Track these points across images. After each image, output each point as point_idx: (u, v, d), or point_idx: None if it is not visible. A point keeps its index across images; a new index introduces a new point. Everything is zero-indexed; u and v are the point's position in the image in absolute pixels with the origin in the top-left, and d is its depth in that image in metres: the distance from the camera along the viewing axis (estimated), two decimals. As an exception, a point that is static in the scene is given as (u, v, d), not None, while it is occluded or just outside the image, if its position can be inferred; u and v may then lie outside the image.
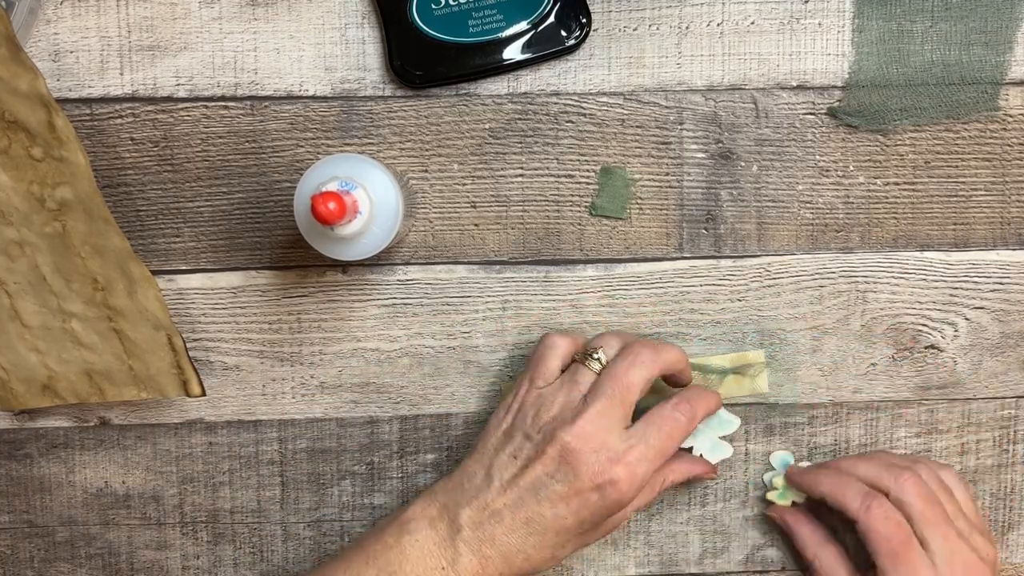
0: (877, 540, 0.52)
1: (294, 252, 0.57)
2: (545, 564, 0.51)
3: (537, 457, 0.50)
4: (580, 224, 0.57)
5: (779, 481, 0.59)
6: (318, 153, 0.56)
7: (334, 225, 0.46)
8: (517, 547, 0.50)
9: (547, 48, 0.55)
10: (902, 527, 0.52)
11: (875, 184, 0.57)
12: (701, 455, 0.57)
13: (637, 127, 0.57)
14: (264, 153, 0.56)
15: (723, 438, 0.58)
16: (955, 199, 0.58)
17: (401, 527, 0.50)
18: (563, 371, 0.53)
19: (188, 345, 0.56)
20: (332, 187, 0.47)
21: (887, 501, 0.52)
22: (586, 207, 0.57)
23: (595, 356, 0.52)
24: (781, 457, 0.59)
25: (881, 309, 0.58)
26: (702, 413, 0.53)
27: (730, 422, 0.58)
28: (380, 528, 0.52)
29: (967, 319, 0.58)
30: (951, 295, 0.58)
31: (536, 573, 0.52)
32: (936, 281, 0.58)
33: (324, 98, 0.56)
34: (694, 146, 0.57)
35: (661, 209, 0.57)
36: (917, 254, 0.58)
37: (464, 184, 0.57)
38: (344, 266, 0.57)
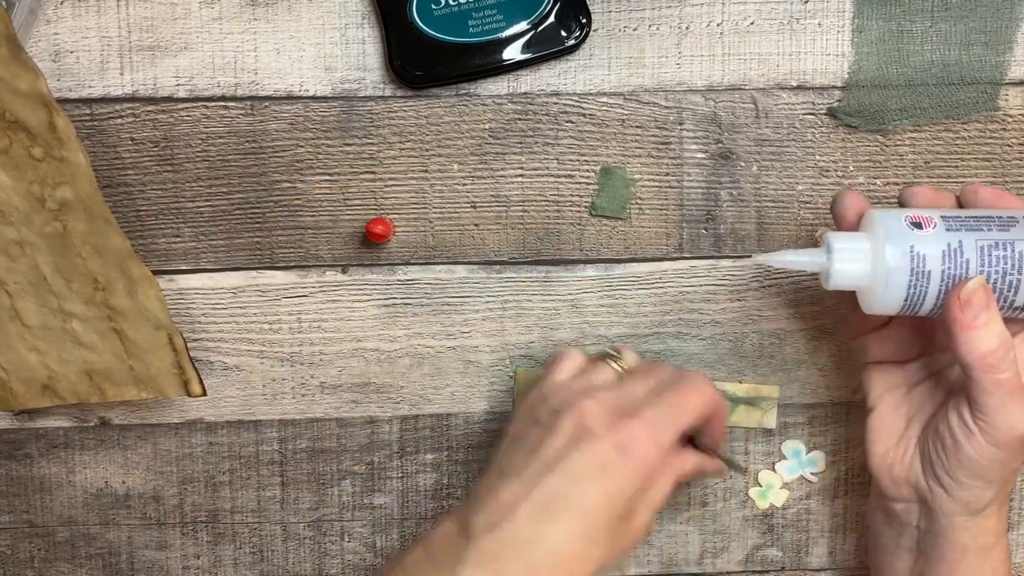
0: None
1: (294, 252, 0.57)
2: (576, 566, 0.44)
3: (551, 432, 0.46)
4: (580, 224, 0.57)
5: (765, 478, 0.59)
6: (318, 153, 0.56)
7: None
8: (540, 539, 0.43)
9: (547, 48, 0.55)
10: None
11: (875, 184, 0.57)
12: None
13: (637, 127, 0.57)
14: (264, 153, 0.56)
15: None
16: (955, 199, 0.58)
17: (423, 550, 0.46)
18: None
19: (188, 345, 0.56)
20: None
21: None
22: (586, 207, 0.57)
23: (614, 359, 0.50)
24: (792, 447, 0.58)
25: (881, 309, 0.58)
26: (719, 397, 0.50)
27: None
28: (410, 551, 0.47)
29: (967, 319, 0.58)
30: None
31: None
32: (936, 281, 0.58)
33: (324, 98, 0.56)
34: (694, 146, 0.57)
35: (661, 209, 0.57)
36: (917, 254, 0.58)
37: (464, 184, 0.57)
38: (344, 266, 0.57)
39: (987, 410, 0.45)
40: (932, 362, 0.51)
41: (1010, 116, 0.57)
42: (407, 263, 0.57)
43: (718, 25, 0.56)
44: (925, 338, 0.51)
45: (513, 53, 0.55)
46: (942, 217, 0.47)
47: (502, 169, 0.57)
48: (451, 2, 0.55)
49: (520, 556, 0.43)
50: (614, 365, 0.50)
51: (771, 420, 0.58)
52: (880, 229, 0.46)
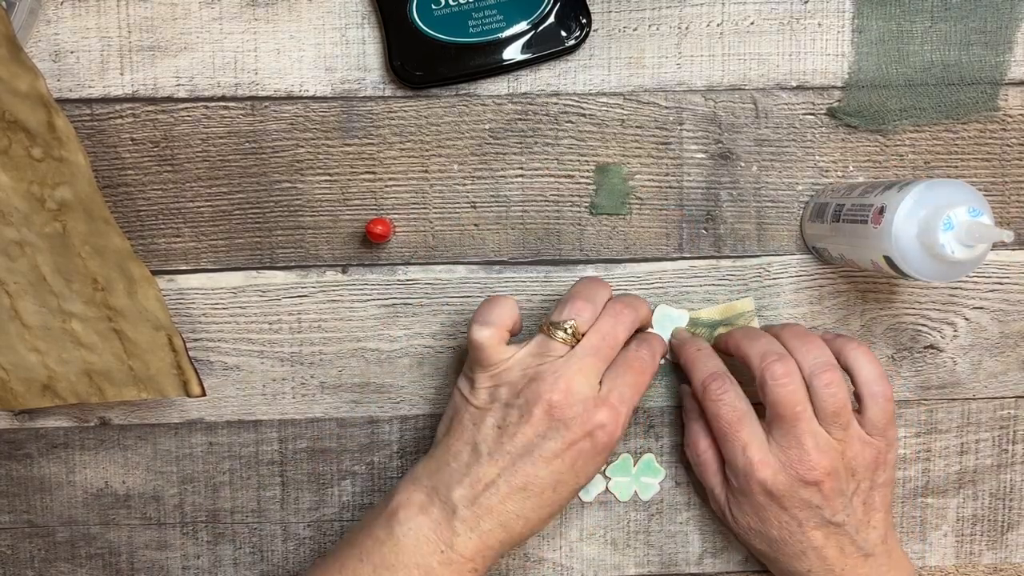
0: (770, 402, 0.52)
1: (294, 252, 0.57)
2: (544, 523, 0.51)
3: (524, 421, 0.50)
4: (580, 224, 0.57)
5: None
6: (318, 153, 0.56)
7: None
8: (516, 512, 0.50)
9: (547, 48, 0.55)
10: (796, 395, 0.51)
11: (875, 184, 0.57)
12: (666, 358, 0.58)
13: (637, 127, 0.57)
14: (264, 153, 0.56)
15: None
16: (955, 199, 0.58)
17: (390, 519, 0.50)
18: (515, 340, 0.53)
19: (188, 345, 0.56)
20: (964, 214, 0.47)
21: (791, 363, 0.52)
22: (586, 207, 0.57)
23: (565, 327, 0.51)
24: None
25: (880, 309, 0.58)
26: (660, 350, 0.54)
27: (680, 317, 0.58)
28: (368, 522, 0.51)
29: (966, 319, 0.58)
30: (950, 295, 0.58)
31: (537, 532, 0.52)
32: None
33: (324, 98, 0.56)
34: (694, 146, 0.57)
35: (661, 209, 0.57)
36: (917, 254, 0.58)
37: (464, 184, 0.57)
38: (344, 266, 0.57)
39: None
40: None
41: (1010, 116, 0.57)
42: (407, 263, 0.57)
43: (718, 25, 0.56)
44: None
45: (513, 53, 0.55)
46: None
47: (502, 169, 0.57)
48: (451, 2, 0.55)
49: (501, 527, 0.50)
50: (564, 336, 0.51)
51: None
52: None
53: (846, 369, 0.53)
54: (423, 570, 0.49)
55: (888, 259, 0.48)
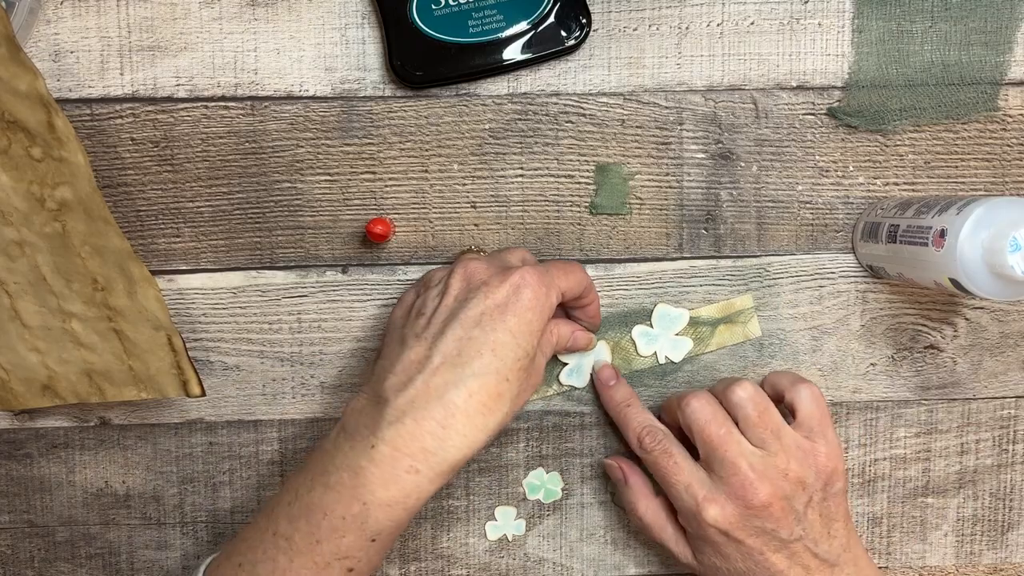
0: (695, 434, 0.51)
1: (294, 252, 0.57)
2: (493, 398, 0.46)
3: (443, 293, 0.49)
4: (580, 224, 0.57)
5: None
6: (318, 153, 0.56)
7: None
8: (452, 382, 0.46)
9: (547, 48, 0.55)
10: (718, 414, 0.51)
11: (875, 184, 0.57)
12: (667, 357, 0.58)
13: (637, 127, 0.57)
14: (264, 153, 0.56)
15: (679, 334, 0.58)
16: (955, 199, 0.58)
17: (338, 430, 0.48)
18: None
19: (188, 345, 0.56)
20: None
21: (705, 393, 0.52)
22: (586, 207, 0.57)
23: (475, 249, 0.52)
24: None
25: (880, 309, 0.58)
26: (590, 278, 0.54)
27: (679, 316, 0.58)
28: (328, 435, 0.49)
29: (966, 319, 0.59)
30: (950, 295, 0.58)
31: (488, 412, 0.47)
32: (936, 281, 0.58)
33: (324, 98, 0.56)
34: (694, 146, 0.57)
35: (661, 209, 0.57)
36: (917, 254, 0.58)
37: (464, 184, 0.57)
38: (344, 266, 0.57)
39: None
40: None
41: (1010, 116, 0.57)
42: (407, 263, 0.57)
43: (718, 25, 0.56)
44: None
45: (513, 53, 0.55)
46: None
47: (502, 169, 0.57)
48: (451, 2, 0.55)
49: (437, 402, 0.46)
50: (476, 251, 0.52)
51: (754, 329, 0.58)
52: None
53: (777, 394, 0.54)
54: (352, 471, 0.45)
55: (954, 281, 0.48)
